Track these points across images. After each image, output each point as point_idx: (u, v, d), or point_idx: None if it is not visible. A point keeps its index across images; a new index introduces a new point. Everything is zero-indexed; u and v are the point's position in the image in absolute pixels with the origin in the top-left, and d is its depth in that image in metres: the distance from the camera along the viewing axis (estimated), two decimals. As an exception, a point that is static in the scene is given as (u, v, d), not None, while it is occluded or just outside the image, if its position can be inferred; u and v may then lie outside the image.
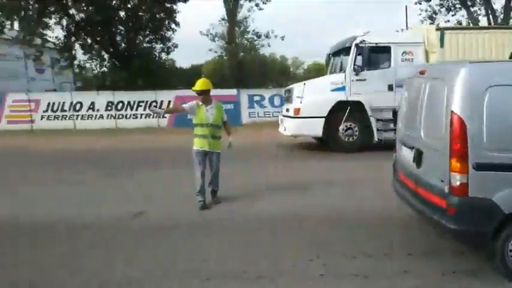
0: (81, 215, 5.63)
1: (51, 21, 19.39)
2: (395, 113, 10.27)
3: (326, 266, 3.84)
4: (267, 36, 25.26)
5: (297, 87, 10.73)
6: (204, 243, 4.54)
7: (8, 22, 18.85)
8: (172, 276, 3.73)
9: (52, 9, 18.81)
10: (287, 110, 11.06)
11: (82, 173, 8.65)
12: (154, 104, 18.24)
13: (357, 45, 10.14)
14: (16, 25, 19.27)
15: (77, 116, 18.93)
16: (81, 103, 18.94)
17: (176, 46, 23.16)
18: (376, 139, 10.25)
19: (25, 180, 8.08)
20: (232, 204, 5.98)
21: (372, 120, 10.23)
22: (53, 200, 6.51)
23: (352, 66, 10.18)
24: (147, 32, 22.00)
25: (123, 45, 21.39)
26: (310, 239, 4.58)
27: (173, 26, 22.75)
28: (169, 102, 18.66)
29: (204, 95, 5.83)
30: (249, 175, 8.06)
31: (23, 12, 18.15)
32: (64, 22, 19.90)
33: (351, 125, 10.33)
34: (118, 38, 21.30)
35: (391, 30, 12.98)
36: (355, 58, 10.19)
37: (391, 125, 10.29)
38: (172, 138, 14.18)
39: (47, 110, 18.91)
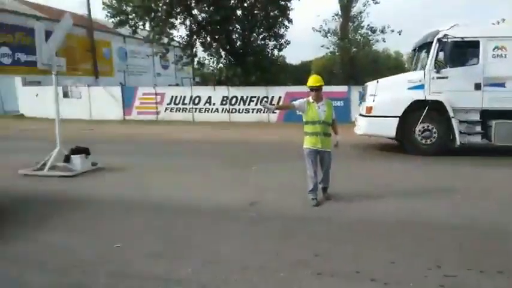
0: (205, 201, 6.09)
1: (177, 22, 21.18)
2: (484, 114, 9.31)
3: (447, 278, 3.58)
4: (382, 31, 24.11)
5: (370, 85, 10.07)
6: (315, 237, 4.58)
7: (141, 23, 21.05)
8: (283, 267, 3.82)
9: (178, 10, 20.50)
10: (362, 108, 10.55)
11: (205, 161, 9.39)
12: (265, 99, 18.85)
13: (439, 40, 9.30)
14: (147, 26, 21.41)
15: (196, 109, 20.45)
16: (199, 97, 20.40)
17: (288, 43, 23.52)
18: (458, 143, 9.32)
19: (162, 166, 9.02)
20: (340, 203, 5.88)
21: (454, 121, 9.28)
22: (183, 185, 7.19)
23: (433, 63, 9.38)
24: (261, 30, 22.70)
25: (238, 42, 22.42)
26: (429, 246, 4.30)
27: (286, 23, 23.12)
28: (279, 98, 19.09)
29: (317, 91, 5.83)
30: (353, 174, 7.93)
31: (153, 14, 20.13)
32: (187, 22, 21.57)
33: (428, 126, 9.51)
34: (234, 36, 22.37)
35: (484, 23, 11.15)
36: (437, 54, 9.39)
37: (477, 128, 9.40)
38: (282, 132, 14.51)
39: (170, 103, 20.77)
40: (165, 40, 21.53)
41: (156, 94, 20.87)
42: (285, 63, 28.13)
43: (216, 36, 21.39)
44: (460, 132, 9.34)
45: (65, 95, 20.84)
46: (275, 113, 18.61)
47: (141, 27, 21.39)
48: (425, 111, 9.36)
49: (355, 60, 25.96)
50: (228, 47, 21.95)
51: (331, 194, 6.05)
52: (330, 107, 5.96)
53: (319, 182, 5.94)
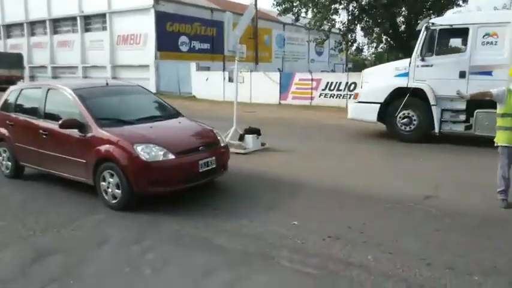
0: (373, 188, 5.97)
1: (340, 7, 20.93)
2: (470, 103, 8.81)
3: None
4: None
5: (364, 72, 10.81)
6: (509, 243, 4.09)
7: (304, 10, 21.45)
8: (475, 271, 3.51)
9: (343, -6, 20.30)
10: None
11: (366, 148, 9.29)
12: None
13: (426, 27, 9.23)
14: (309, 13, 21.72)
15: (350, 95, 20.03)
16: (355, 83, 19.88)
17: (461, 25, 21.08)
18: (437, 131, 9.36)
19: (323, 150, 9.23)
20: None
21: (435, 110, 9.26)
22: (346, 170, 7.22)
23: (419, 51, 9.33)
24: (431, 12, 20.83)
25: (403, 26, 21.06)
26: None
27: (460, 2, 20.73)
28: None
29: None
30: None
31: (316, 0, 20.31)
32: (350, 7, 21.14)
33: (409, 113, 9.62)
34: (399, 19, 21.08)
35: (481, 9, 9.72)
36: (423, 42, 9.29)
37: (461, 117, 9.19)
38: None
39: (324, 89, 20.80)
40: (326, 26, 21.53)
41: (312, 80, 21.13)
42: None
43: (379, 21, 20.45)
44: (444, 121, 9.34)
45: (230, 79, 22.71)
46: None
47: (304, 14, 21.81)
48: (406, 98, 9.48)
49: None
50: (390, 31, 20.80)
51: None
52: None
53: None
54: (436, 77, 9.21)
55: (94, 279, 3.56)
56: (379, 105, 9.81)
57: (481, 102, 8.69)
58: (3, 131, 6.50)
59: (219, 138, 5.96)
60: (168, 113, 6.33)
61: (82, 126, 5.26)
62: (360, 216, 4.88)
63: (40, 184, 6.32)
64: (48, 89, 6.05)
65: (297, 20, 22.31)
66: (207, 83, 23.87)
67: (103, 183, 5.13)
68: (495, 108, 8.21)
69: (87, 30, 31.47)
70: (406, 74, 9.55)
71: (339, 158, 8.27)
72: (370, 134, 11.37)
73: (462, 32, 9.06)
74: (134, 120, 5.62)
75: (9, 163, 6.53)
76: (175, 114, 6.33)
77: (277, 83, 22.00)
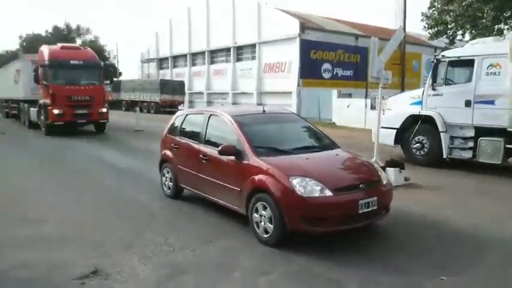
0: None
1: (505, 27, 18.42)
2: (480, 131, 9.17)
3: None
4: None
5: (388, 100, 11.48)
6: None
7: (460, 32, 19.49)
8: None
9: (508, 14, 17.81)
10: None
11: None
12: None
13: (437, 59, 9.86)
14: (467, 35, 19.62)
15: None
16: None
17: None
18: (445, 156, 9.60)
19: (483, 189, 8.07)
20: None
21: (443, 136, 9.60)
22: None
23: (431, 81, 9.85)
24: None
25: None
26: None
27: None
28: None
29: None
30: None
31: (475, 21, 18.25)
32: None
33: (421, 139, 10.10)
34: None
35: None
36: (435, 72, 9.81)
37: (469, 144, 9.36)
38: None
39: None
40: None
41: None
42: None
43: None
44: (453, 147, 9.59)
45: (372, 107, 21.79)
46: None
47: (460, 36, 19.81)
48: (418, 125, 10.02)
49: None
50: None
51: None
52: None
53: None
54: (445, 105, 9.65)
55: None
56: (395, 130, 10.50)
57: (488, 130, 8.99)
58: (168, 153, 6.91)
59: (380, 174, 5.33)
60: (324, 143, 5.98)
61: (239, 154, 5.22)
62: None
63: (185, 202, 6.72)
64: (210, 115, 6.23)
65: (451, 43, 20.30)
66: (347, 110, 23.36)
67: (255, 214, 4.92)
68: (499, 136, 8.87)
69: (238, 60, 34.24)
70: (420, 102, 10.13)
71: (498, 200, 7.01)
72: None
73: (469, 63, 9.31)
74: (290, 149, 5.40)
75: (171, 184, 6.84)
76: (332, 145, 5.94)
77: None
